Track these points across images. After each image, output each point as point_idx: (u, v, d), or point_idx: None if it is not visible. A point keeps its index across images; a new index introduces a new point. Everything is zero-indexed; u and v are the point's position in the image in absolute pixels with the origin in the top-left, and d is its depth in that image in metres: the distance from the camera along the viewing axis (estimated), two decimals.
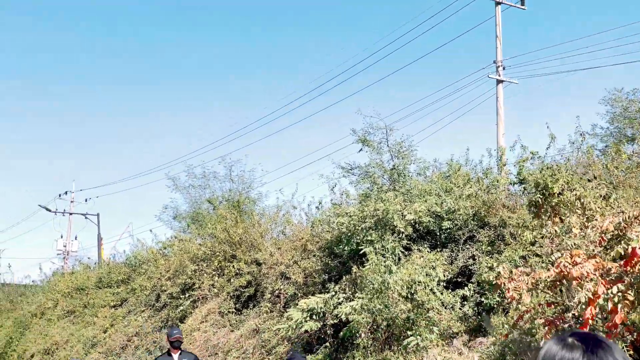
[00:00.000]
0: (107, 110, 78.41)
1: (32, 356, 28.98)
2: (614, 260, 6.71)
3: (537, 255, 12.22)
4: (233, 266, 19.11)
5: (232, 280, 19.09)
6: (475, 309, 12.77)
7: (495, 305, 12.17)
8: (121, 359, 21.57)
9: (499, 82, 23.24)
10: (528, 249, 12.38)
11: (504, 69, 23.30)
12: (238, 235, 19.56)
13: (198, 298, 19.80)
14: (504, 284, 8.19)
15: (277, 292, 17.28)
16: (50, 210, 39.47)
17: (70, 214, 46.62)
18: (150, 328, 21.31)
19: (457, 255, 13.76)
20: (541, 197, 9.36)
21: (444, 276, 12.97)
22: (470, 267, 13.47)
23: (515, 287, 7.89)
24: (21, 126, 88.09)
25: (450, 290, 13.07)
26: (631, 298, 6.09)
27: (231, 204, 24.69)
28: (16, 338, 32.34)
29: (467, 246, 13.78)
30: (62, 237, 47.03)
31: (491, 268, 12.36)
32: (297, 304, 15.33)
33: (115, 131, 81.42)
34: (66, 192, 46.15)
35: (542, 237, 10.76)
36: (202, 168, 33.45)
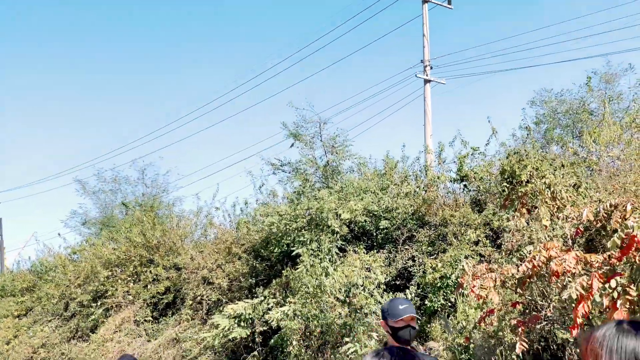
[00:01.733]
0: (11, 110, 74.71)
1: None
2: (604, 251, 6.00)
3: (480, 255, 11.56)
4: (150, 271, 17.83)
5: (149, 286, 17.81)
6: (418, 312, 11.97)
7: (440, 309, 11.40)
8: None
9: (426, 81, 22.69)
10: (472, 248, 11.69)
11: (431, 68, 22.77)
12: (155, 238, 18.30)
13: (111, 306, 18.41)
14: (468, 281, 7.37)
15: (198, 298, 16.11)
16: None
17: None
18: (58, 339, 19.73)
19: (396, 256, 12.94)
20: (507, 185, 8.62)
21: (384, 278, 12.14)
22: (409, 268, 12.67)
23: (482, 285, 7.07)
24: None
25: (389, 293, 12.23)
26: (634, 293, 5.32)
27: (145, 208, 23.37)
28: None
29: (406, 247, 12.99)
30: None
31: (435, 269, 11.62)
32: (221, 311, 14.25)
33: (20, 132, 77.64)
34: None
35: (507, 231, 10.02)
36: (112, 172, 31.87)
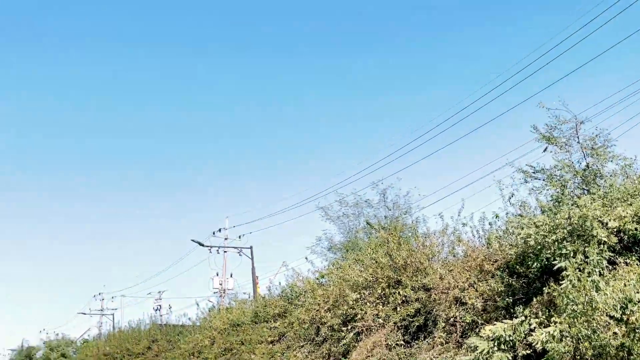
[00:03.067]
0: (257, 146, 79.04)
1: None
2: None
3: None
4: (399, 293, 17.21)
5: (398, 308, 17.18)
6: None
7: None
8: None
9: None
10: None
11: None
12: (402, 258, 17.68)
13: (362, 330, 18.00)
14: None
15: (452, 320, 15.20)
16: (202, 245, 39.09)
17: (224, 250, 46.36)
18: None
19: None
20: None
21: None
22: None
23: None
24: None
25: None
26: None
27: (390, 228, 22.87)
28: None
29: None
30: (217, 275, 46.93)
31: None
32: (478, 333, 13.23)
33: (264, 165, 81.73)
34: (220, 230, 46.05)
35: None
36: (354, 196, 31.98)
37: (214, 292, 46.01)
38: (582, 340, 10.65)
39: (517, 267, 13.81)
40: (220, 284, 45.93)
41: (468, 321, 14.52)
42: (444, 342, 15.16)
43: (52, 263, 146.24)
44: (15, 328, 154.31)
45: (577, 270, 11.26)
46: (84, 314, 78.33)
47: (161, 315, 53.32)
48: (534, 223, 12.43)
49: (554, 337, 11.02)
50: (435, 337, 15.44)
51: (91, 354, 55.16)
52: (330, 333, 19.40)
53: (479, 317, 14.31)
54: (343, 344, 18.42)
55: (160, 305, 61.12)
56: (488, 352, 12.10)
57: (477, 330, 13.69)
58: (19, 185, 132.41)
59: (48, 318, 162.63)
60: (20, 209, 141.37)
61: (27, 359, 72.07)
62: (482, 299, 14.52)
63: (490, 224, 16.17)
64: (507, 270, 14.19)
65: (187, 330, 37.56)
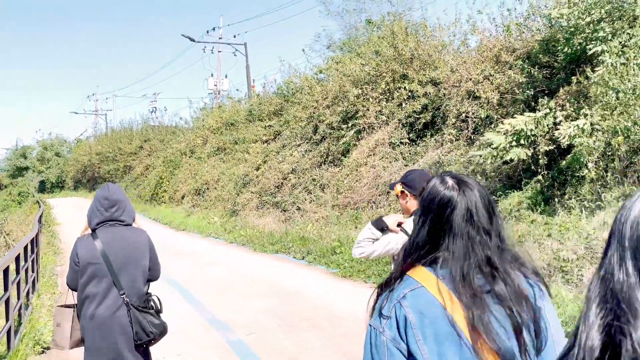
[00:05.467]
0: None
1: (182, 197, 27.60)
2: None
3: None
4: (404, 88, 15.77)
5: (403, 104, 15.82)
6: None
7: None
8: (277, 199, 19.18)
9: None
10: None
11: None
12: (409, 50, 16.05)
13: (363, 127, 16.76)
14: None
15: (463, 115, 13.86)
16: (193, 40, 36.85)
17: (218, 50, 44.44)
18: (308, 164, 18.63)
19: None
20: None
21: None
22: None
23: None
24: None
25: None
26: None
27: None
28: (166, 178, 31.17)
29: None
30: (212, 75, 45.38)
31: None
32: (494, 128, 11.92)
33: None
34: (214, 28, 43.77)
35: None
36: None
37: (209, 94, 44.70)
38: (619, 133, 9.31)
39: (541, 55, 12.26)
40: (215, 85, 44.41)
41: (483, 116, 13.18)
42: (454, 139, 13.93)
43: (45, 63, 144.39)
44: (10, 128, 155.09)
45: (616, 55, 9.74)
46: (76, 113, 77.85)
47: (156, 117, 52.44)
48: (568, 0, 10.71)
49: (583, 130, 9.69)
50: (444, 133, 14.18)
51: (83, 152, 54.92)
52: (329, 131, 18.19)
53: (495, 112, 12.95)
54: (343, 143, 17.26)
55: (155, 107, 60.19)
56: (504, 148, 10.81)
57: (493, 126, 12.40)
58: None
59: (42, 118, 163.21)
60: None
61: (22, 157, 72.13)
62: (498, 92, 13.08)
63: (508, 10, 14.38)
64: (527, 60, 12.64)
65: (180, 130, 36.69)
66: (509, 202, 11.02)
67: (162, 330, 4.30)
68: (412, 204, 3.97)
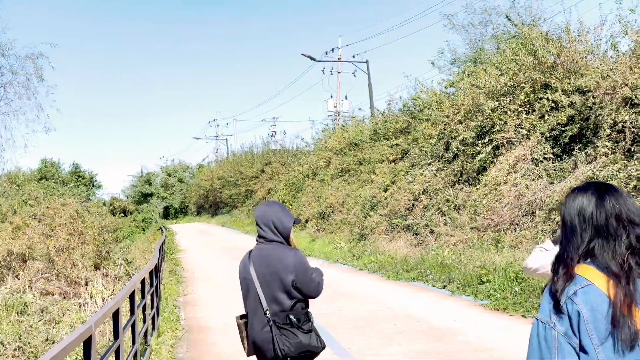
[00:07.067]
0: None
1: (306, 221, 26.91)
2: None
3: None
4: (547, 98, 14.45)
5: (546, 116, 14.48)
6: None
7: None
8: (408, 222, 18.10)
9: None
10: None
11: None
12: (550, 56, 14.72)
13: (501, 143, 15.51)
14: None
15: (619, 125, 12.42)
16: (313, 59, 36.42)
17: (338, 71, 43.85)
18: (441, 183, 17.48)
19: None
20: None
21: None
22: None
23: None
24: None
25: None
26: None
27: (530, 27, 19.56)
28: (289, 201, 30.64)
29: None
30: (331, 97, 44.84)
31: None
32: None
33: None
34: (332, 50, 43.25)
35: None
36: (482, 2, 28.40)
37: (329, 115, 44.18)
38: None
39: None
40: (335, 107, 43.83)
41: None
42: (609, 153, 12.49)
43: (167, 90, 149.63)
44: (135, 155, 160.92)
45: None
46: (198, 138, 79.79)
47: (276, 141, 52.50)
48: None
49: None
50: (597, 146, 12.77)
51: (205, 177, 55.70)
52: (462, 148, 17.02)
53: None
54: (479, 160, 16.04)
55: (274, 132, 60.52)
56: None
57: None
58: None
59: (166, 145, 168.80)
60: (133, 37, 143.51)
61: (147, 184, 74.37)
62: None
63: None
64: None
65: (301, 153, 36.28)
66: None
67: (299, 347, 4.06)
68: None
